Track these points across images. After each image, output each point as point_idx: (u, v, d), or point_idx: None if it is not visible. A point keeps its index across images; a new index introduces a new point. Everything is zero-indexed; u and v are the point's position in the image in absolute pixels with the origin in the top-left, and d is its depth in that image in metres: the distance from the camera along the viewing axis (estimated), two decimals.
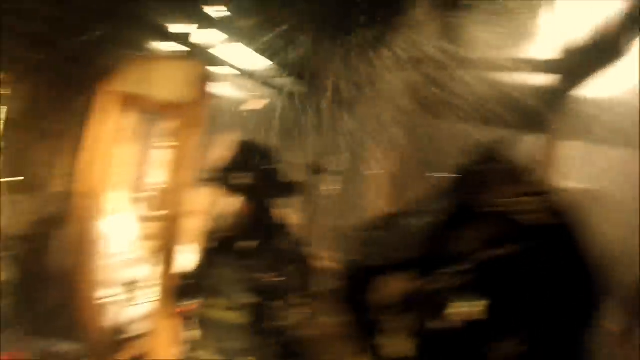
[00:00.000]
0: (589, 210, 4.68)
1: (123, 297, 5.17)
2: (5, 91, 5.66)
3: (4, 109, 5.58)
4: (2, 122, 5.48)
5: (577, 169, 5.35)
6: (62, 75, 5.06)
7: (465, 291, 1.39)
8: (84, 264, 4.44)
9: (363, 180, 7.14)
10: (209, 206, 2.61)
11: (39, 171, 5.20)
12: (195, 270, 2.42)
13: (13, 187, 5.15)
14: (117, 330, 4.54)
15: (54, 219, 4.71)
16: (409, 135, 5.08)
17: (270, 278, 2.21)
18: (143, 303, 4.93)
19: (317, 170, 7.15)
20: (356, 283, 1.69)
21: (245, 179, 2.14)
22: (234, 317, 2.24)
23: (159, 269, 4.09)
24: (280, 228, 2.33)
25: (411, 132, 5.03)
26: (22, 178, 5.19)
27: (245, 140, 2.33)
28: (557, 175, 4.04)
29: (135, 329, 4.69)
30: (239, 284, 2.22)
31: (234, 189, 2.14)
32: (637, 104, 3.88)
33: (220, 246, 2.28)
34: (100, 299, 4.63)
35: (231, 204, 2.18)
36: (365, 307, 1.62)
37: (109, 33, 4.23)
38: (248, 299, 2.21)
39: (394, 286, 1.54)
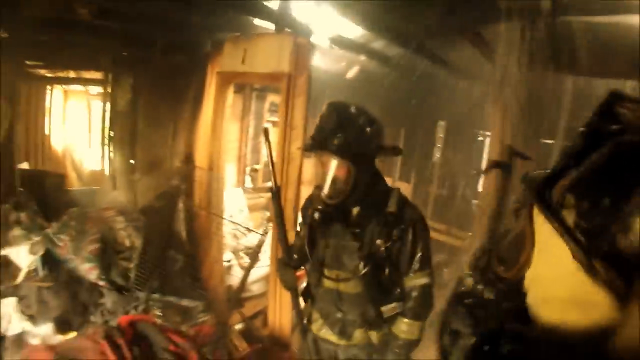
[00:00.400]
0: None
1: (241, 260, 5.68)
2: (108, 89, 6.51)
3: (109, 105, 6.37)
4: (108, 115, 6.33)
5: None
6: (164, 65, 5.52)
7: None
8: (208, 230, 4.79)
9: (470, 146, 6.91)
10: (315, 174, 2.49)
11: (158, 152, 5.82)
12: (302, 239, 2.33)
13: (137, 167, 5.92)
14: (236, 290, 4.85)
15: (177, 192, 5.14)
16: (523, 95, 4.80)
17: (382, 244, 2.07)
18: (261, 267, 5.24)
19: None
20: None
21: (347, 141, 2.00)
22: (346, 286, 2.16)
23: (272, 237, 4.22)
24: (386, 192, 2.17)
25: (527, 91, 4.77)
26: (133, 162, 5.92)
27: (343, 103, 2.13)
28: None
29: (253, 290, 5.01)
30: (350, 252, 2.13)
31: (337, 153, 2.00)
32: None
33: (329, 213, 2.15)
34: (223, 261, 5.03)
35: (335, 169, 2.04)
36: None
37: (205, 19, 4.45)
38: (361, 267, 2.08)
39: None
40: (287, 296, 3.47)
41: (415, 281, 2.10)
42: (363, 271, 2.07)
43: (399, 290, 2.14)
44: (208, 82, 4.80)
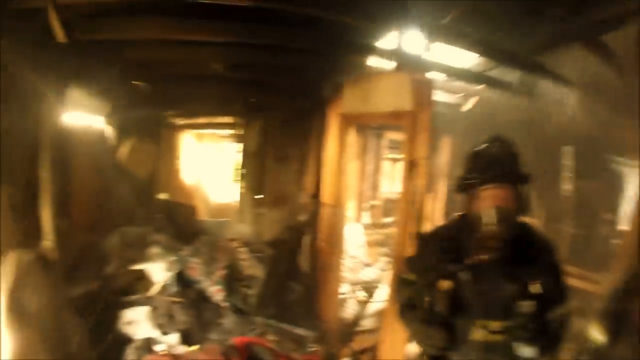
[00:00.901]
0: None
1: (358, 294, 5.81)
2: (239, 131, 7.75)
3: (240, 145, 7.58)
4: (240, 154, 7.53)
5: None
6: (290, 110, 6.29)
7: None
8: (329, 264, 5.01)
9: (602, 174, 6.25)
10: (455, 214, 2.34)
11: (285, 188, 6.43)
12: (447, 290, 2.06)
13: (266, 202, 6.58)
14: (351, 323, 5.03)
15: (303, 226, 5.57)
16: None
17: (536, 282, 1.92)
18: (376, 302, 5.43)
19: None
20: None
21: (517, 171, 1.95)
22: (499, 336, 1.99)
23: (391, 273, 4.36)
24: (530, 235, 2.08)
25: None
26: (262, 196, 6.67)
27: (499, 135, 2.07)
28: None
29: (367, 324, 5.11)
30: (508, 296, 1.96)
31: (516, 183, 1.94)
32: None
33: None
34: (339, 294, 5.20)
35: (508, 201, 1.95)
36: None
37: (327, 63, 4.79)
38: (523, 311, 1.92)
39: None
40: (399, 335, 3.51)
41: (555, 314, 1.99)
42: (524, 317, 1.92)
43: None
44: (330, 123, 5.13)
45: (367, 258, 6.67)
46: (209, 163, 10.40)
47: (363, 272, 6.33)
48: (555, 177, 6.37)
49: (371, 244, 6.93)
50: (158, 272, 4.99)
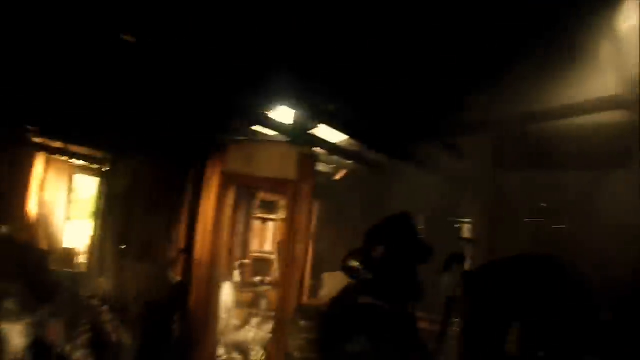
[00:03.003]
0: None
1: (234, 356, 5.87)
2: (106, 167, 6.85)
3: (106, 184, 6.66)
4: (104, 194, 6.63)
5: None
6: (168, 154, 5.79)
7: None
8: (204, 325, 5.03)
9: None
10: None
11: (153, 239, 5.94)
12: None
13: (130, 253, 5.95)
14: None
15: (174, 284, 5.34)
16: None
17: None
18: None
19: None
20: None
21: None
22: None
23: (269, 335, 4.59)
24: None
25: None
26: (125, 246, 5.95)
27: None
28: None
29: None
30: None
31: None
32: None
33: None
34: (216, 357, 5.25)
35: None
36: None
37: (213, 120, 5.00)
38: None
39: None
40: None
41: None
42: None
43: None
44: (210, 178, 5.23)
45: (239, 318, 6.73)
46: (65, 198, 8.00)
47: (236, 333, 6.38)
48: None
49: (242, 304, 7.01)
50: (14, 335, 4.40)
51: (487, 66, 4.29)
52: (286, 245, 4.19)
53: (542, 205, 7.43)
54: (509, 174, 5.76)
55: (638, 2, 3.36)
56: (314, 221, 7.51)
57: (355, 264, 2.18)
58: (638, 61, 3.71)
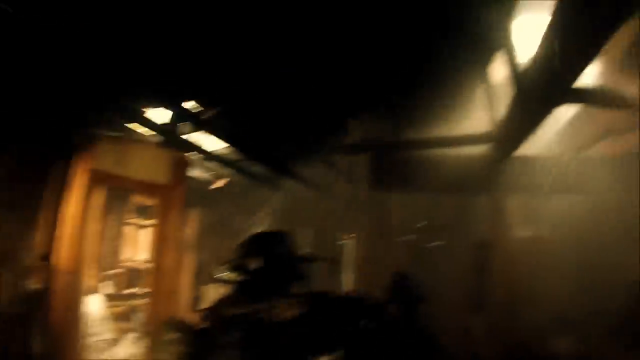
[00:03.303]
0: (536, 254, 5.51)
1: None
2: None
3: None
4: None
5: (523, 220, 6.30)
6: (31, 150, 4.94)
7: None
8: (67, 343, 4.53)
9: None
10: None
11: (7, 243, 4.94)
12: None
13: None
14: None
15: (32, 295, 4.61)
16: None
17: None
18: None
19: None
20: None
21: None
22: None
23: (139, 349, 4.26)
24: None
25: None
26: None
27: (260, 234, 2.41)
28: (506, 226, 4.74)
29: None
30: None
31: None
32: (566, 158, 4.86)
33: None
34: None
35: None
36: None
37: (85, 113, 4.52)
38: None
39: None
40: None
41: None
42: None
43: None
44: (75, 176, 4.71)
45: (112, 334, 6.12)
46: None
47: (109, 350, 5.79)
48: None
49: (115, 318, 6.40)
50: None
51: (370, 93, 4.60)
52: (156, 254, 3.94)
53: (420, 225, 8.02)
54: (389, 194, 6.21)
55: (507, 58, 3.71)
56: (194, 230, 7.29)
57: (230, 275, 2.19)
58: (503, 105, 4.20)
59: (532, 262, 6.12)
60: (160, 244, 3.94)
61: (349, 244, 6.87)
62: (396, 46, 3.76)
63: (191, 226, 7.28)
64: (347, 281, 6.57)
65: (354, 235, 6.66)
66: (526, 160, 5.00)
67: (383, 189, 5.69)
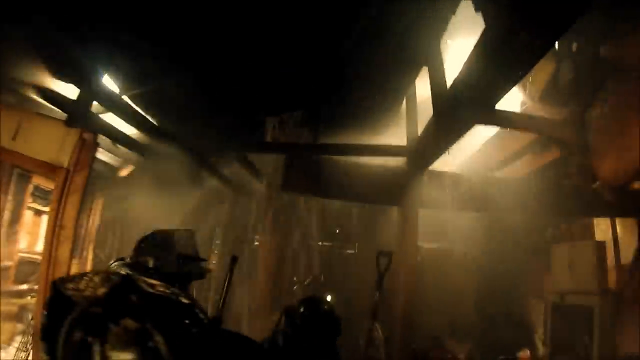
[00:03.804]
0: (441, 263, 5.87)
1: None
2: None
3: None
4: None
5: (436, 232, 6.64)
6: None
7: None
8: None
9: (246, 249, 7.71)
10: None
11: None
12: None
13: None
14: None
15: None
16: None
17: None
18: None
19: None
20: None
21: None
22: None
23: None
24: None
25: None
26: None
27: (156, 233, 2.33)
28: (413, 237, 4.93)
29: None
30: None
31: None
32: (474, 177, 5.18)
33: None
34: None
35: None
36: None
37: None
38: None
39: None
40: None
41: None
42: None
43: None
44: None
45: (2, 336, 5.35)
46: None
47: None
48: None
49: (4, 318, 5.52)
50: None
51: (290, 93, 4.59)
52: (48, 245, 3.60)
53: (336, 230, 8.13)
54: (300, 197, 6.24)
55: (432, 74, 3.85)
56: (95, 220, 6.88)
57: (123, 271, 2.08)
58: (423, 120, 4.31)
59: (435, 272, 6.49)
60: (53, 233, 3.59)
61: (262, 244, 6.80)
62: (319, 48, 3.73)
63: (92, 217, 6.87)
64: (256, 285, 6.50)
65: (265, 237, 6.62)
66: (439, 175, 5.17)
67: (296, 191, 5.73)
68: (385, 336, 5.04)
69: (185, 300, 1.96)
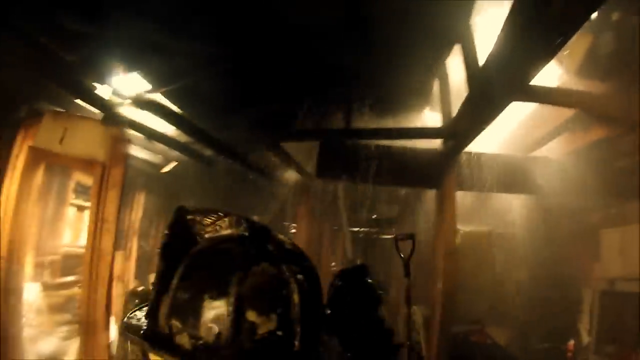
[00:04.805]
0: (482, 246, 5.78)
1: None
2: None
3: None
4: None
5: (475, 215, 6.54)
6: None
7: None
8: (5, 334, 4.13)
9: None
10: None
11: None
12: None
13: None
14: None
15: None
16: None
17: None
18: None
19: None
20: None
21: None
22: None
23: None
24: None
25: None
26: None
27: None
28: (452, 220, 4.88)
29: None
30: None
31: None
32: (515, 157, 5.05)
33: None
34: None
35: None
36: None
37: (23, 85, 4.22)
38: None
39: None
40: None
41: None
42: None
43: None
44: (14, 153, 4.44)
45: (46, 325, 5.62)
46: None
47: (43, 343, 5.29)
48: None
49: (50, 309, 5.87)
50: None
51: (321, 78, 4.59)
52: (91, 237, 3.78)
53: (373, 215, 8.13)
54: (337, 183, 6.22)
55: (464, 53, 3.79)
56: (138, 215, 7.09)
57: None
58: (458, 100, 4.19)
59: (475, 255, 6.41)
60: (95, 227, 3.75)
61: (298, 232, 6.85)
62: (348, 31, 3.72)
63: (135, 211, 7.07)
64: None
65: (301, 225, 6.65)
66: (476, 156, 5.09)
67: (331, 177, 5.70)
68: (425, 320, 5.01)
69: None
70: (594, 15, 4.03)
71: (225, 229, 1.60)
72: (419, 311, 4.84)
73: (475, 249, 6.49)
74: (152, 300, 1.34)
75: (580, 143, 5.26)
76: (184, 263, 1.36)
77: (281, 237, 1.80)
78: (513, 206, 6.34)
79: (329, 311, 2.47)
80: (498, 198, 6.21)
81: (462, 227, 6.13)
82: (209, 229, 1.59)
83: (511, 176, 5.13)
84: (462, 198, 5.17)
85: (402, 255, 4.00)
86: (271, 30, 3.65)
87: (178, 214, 1.56)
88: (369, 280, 2.74)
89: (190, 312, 1.27)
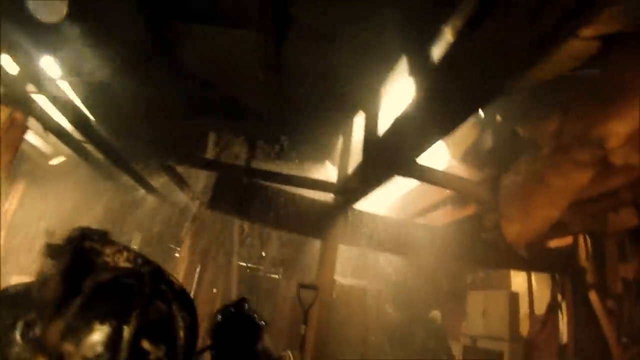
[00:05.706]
0: (357, 300, 6.06)
1: None
2: None
3: None
4: None
5: (351, 267, 6.93)
6: None
7: None
8: None
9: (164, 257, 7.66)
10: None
11: None
12: None
13: None
14: None
15: None
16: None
17: None
18: None
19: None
20: None
21: None
22: None
23: None
24: None
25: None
26: None
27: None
28: (332, 271, 5.15)
29: None
30: None
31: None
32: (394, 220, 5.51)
33: None
34: None
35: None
36: None
37: None
38: None
39: None
40: None
41: None
42: None
43: None
44: None
45: None
46: None
47: None
48: None
49: None
50: None
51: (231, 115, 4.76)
52: None
53: (262, 253, 8.25)
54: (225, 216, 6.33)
55: (367, 119, 4.16)
56: (12, 205, 6.65)
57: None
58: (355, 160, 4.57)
59: (349, 307, 6.75)
60: None
61: (182, 258, 6.79)
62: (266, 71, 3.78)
63: (11, 199, 6.64)
64: None
65: (186, 250, 6.62)
66: (361, 215, 5.44)
67: (223, 211, 5.73)
68: None
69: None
70: (481, 113, 4.64)
71: (123, 263, 1.68)
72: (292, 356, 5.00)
73: (350, 302, 6.83)
74: (40, 324, 1.38)
75: (458, 215, 5.86)
76: (85, 293, 1.43)
77: (172, 277, 1.94)
78: (394, 265, 6.79)
79: (213, 351, 2.56)
80: (382, 255, 6.63)
81: (341, 280, 6.44)
82: (108, 259, 1.65)
83: (392, 237, 5.51)
84: (350, 251, 5.45)
85: (302, 304, 4.21)
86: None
87: (80, 238, 1.62)
88: (249, 313, 2.80)
89: (85, 337, 1.34)
